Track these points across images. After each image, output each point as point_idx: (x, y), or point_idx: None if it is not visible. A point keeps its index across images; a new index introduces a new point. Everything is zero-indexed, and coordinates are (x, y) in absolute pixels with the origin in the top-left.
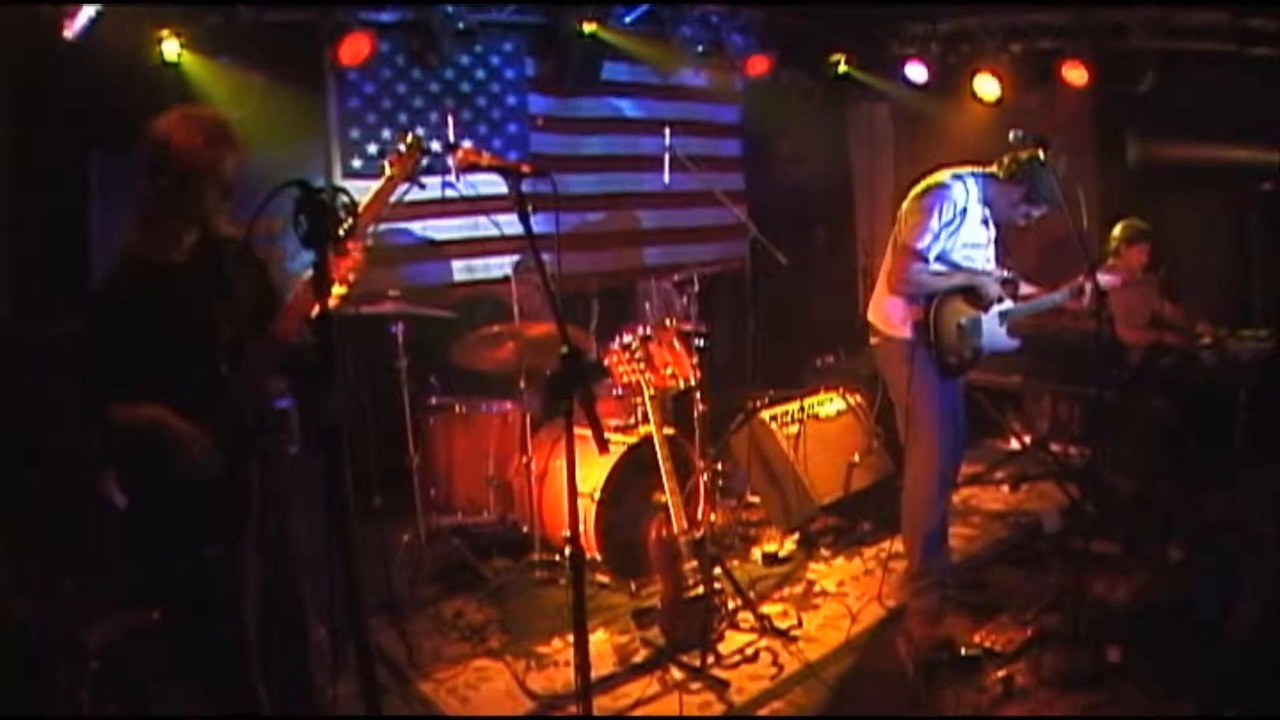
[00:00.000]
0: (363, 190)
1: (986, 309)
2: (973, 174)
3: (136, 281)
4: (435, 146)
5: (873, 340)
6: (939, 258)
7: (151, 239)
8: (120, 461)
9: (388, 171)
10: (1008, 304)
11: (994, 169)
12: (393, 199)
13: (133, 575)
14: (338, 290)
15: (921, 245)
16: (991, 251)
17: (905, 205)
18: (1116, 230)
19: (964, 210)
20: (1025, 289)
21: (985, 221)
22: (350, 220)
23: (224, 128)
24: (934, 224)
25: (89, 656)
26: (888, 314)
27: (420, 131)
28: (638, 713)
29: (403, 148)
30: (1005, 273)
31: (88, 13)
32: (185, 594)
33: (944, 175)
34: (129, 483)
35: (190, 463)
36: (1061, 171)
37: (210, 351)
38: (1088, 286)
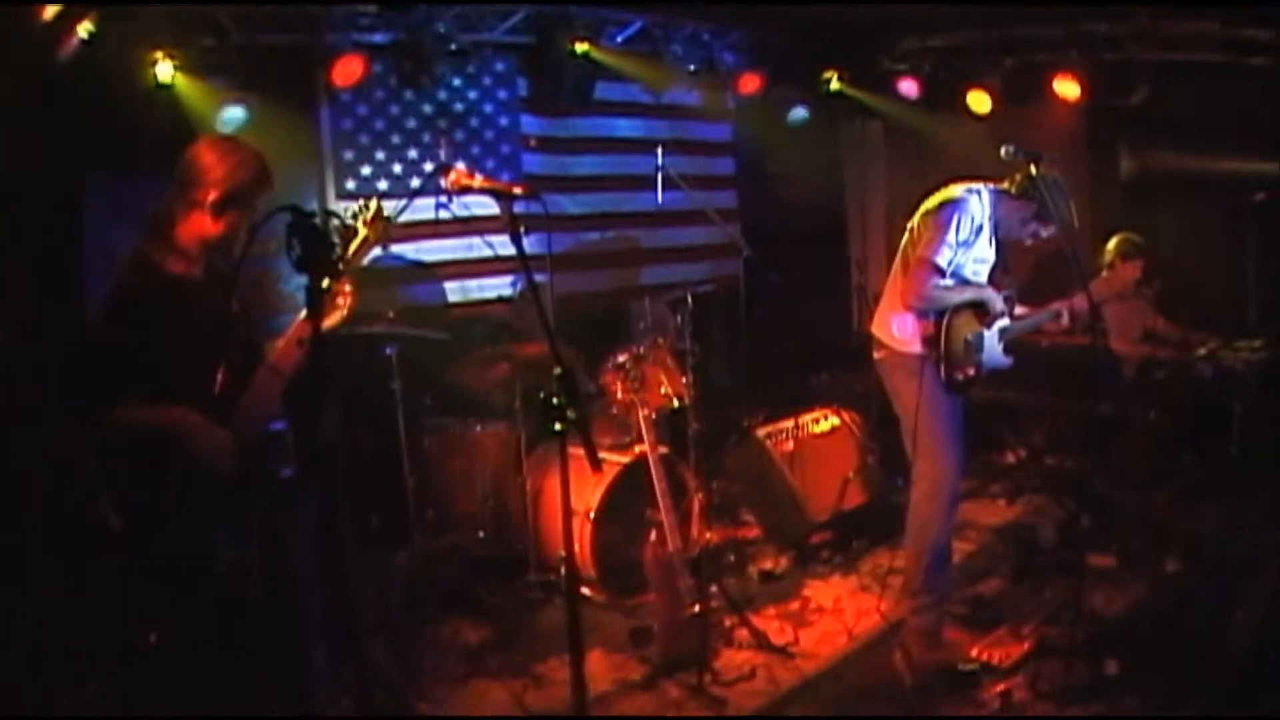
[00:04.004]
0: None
1: (990, 323)
2: (985, 189)
3: (155, 288)
4: (428, 167)
5: (877, 355)
6: (952, 273)
7: (174, 252)
8: (124, 476)
9: (361, 232)
10: (1006, 321)
11: (1005, 185)
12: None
13: (134, 593)
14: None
15: (939, 260)
16: (988, 268)
17: (918, 219)
18: (1111, 244)
19: (979, 226)
20: (1018, 309)
21: (992, 239)
22: (339, 261)
23: (268, 165)
24: (951, 238)
25: (87, 678)
26: (895, 328)
27: (382, 156)
28: None
29: (369, 214)
30: (1004, 291)
31: (81, 34)
32: (195, 606)
33: (958, 189)
34: (136, 496)
35: (214, 456)
36: (1063, 186)
37: (215, 367)
38: (1065, 314)
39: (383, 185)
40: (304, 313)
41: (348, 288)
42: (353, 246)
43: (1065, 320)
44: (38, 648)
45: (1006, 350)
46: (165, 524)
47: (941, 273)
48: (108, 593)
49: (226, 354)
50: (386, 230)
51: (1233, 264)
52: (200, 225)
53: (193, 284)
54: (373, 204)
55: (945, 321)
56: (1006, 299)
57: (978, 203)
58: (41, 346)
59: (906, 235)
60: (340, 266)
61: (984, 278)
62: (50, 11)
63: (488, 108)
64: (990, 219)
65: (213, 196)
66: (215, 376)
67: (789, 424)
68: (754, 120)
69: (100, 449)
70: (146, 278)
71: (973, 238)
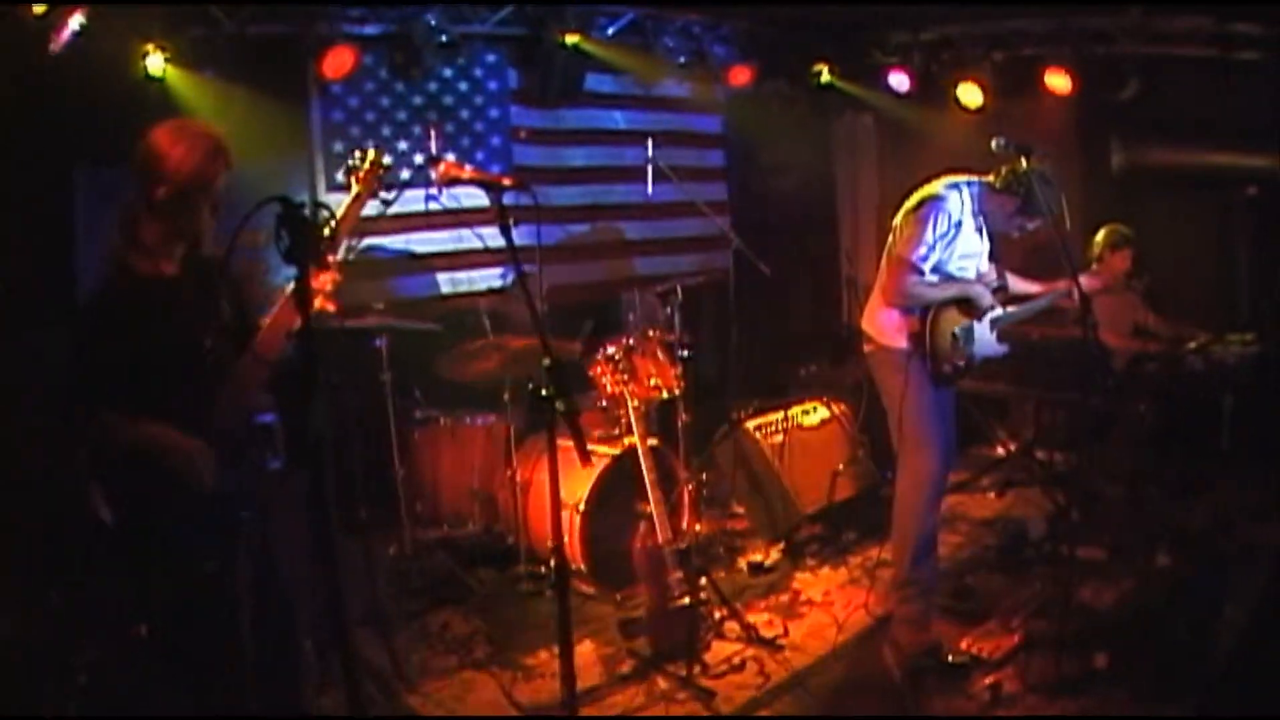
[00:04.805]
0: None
1: (980, 317)
2: (969, 183)
3: (126, 291)
4: (418, 159)
5: (866, 348)
6: (934, 269)
7: (142, 250)
8: (111, 474)
9: (354, 189)
10: (999, 312)
11: (990, 179)
12: (374, 213)
13: (123, 589)
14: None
15: (916, 258)
16: (985, 260)
17: (900, 216)
18: (1099, 236)
19: (959, 222)
20: (1018, 286)
21: (980, 231)
22: (326, 237)
23: (220, 143)
24: (929, 236)
25: (76, 671)
26: (882, 323)
27: (378, 147)
28: None
29: (365, 164)
30: (995, 280)
31: (72, 26)
32: (180, 607)
33: (939, 186)
34: (122, 497)
35: (191, 475)
36: (1051, 179)
37: (197, 363)
38: (1075, 290)
39: None
40: (284, 300)
41: (331, 276)
42: (344, 205)
43: (1076, 297)
44: (27, 639)
45: (1001, 338)
46: (151, 523)
47: (920, 271)
48: (99, 585)
49: (212, 348)
50: (380, 182)
51: (1224, 258)
52: (159, 219)
53: (167, 282)
54: (370, 154)
55: (930, 317)
56: (997, 290)
57: (958, 199)
58: (33, 337)
59: (892, 233)
60: (333, 225)
61: (972, 272)
62: (42, 5)
63: (478, 100)
64: (976, 213)
65: (162, 192)
66: (198, 376)
67: (779, 416)
68: (745, 112)
69: (90, 440)
70: (117, 282)
71: (953, 233)
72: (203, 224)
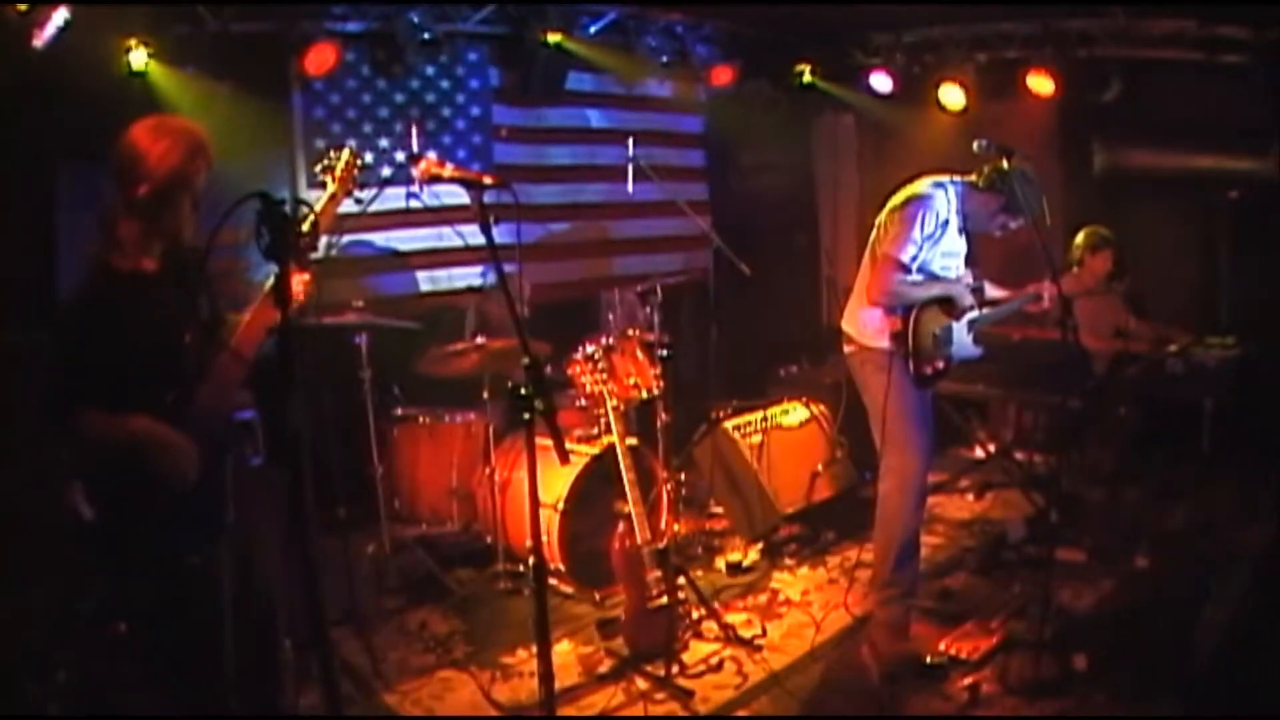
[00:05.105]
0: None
1: (959, 317)
2: (952, 182)
3: (106, 290)
4: (399, 156)
5: (847, 349)
6: (919, 268)
7: (122, 248)
8: (93, 472)
9: (330, 187)
10: (976, 313)
11: (973, 178)
12: (355, 210)
13: (106, 586)
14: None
15: (904, 256)
16: (963, 261)
17: (884, 215)
18: (1079, 238)
19: (945, 220)
20: (991, 292)
21: (962, 230)
22: (304, 235)
23: (201, 140)
24: (916, 234)
25: (57, 668)
26: (864, 323)
27: (354, 146)
28: None
29: (341, 163)
30: (973, 281)
31: (56, 22)
32: (162, 605)
33: (924, 185)
34: (105, 493)
35: (175, 471)
36: (1033, 178)
37: (177, 361)
38: (1045, 293)
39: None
40: (264, 296)
41: (305, 276)
42: (320, 203)
43: (1046, 301)
44: (6, 636)
45: (976, 340)
46: (132, 521)
47: (906, 269)
48: (78, 582)
49: (191, 345)
50: (356, 181)
51: (1206, 261)
52: (139, 216)
53: (146, 279)
54: (344, 154)
55: (912, 317)
56: (974, 290)
57: (943, 197)
58: (14, 337)
59: (874, 231)
60: (313, 220)
61: (953, 272)
62: (24, 2)
63: (460, 97)
64: (958, 212)
65: (141, 190)
66: (177, 373)
67: (758, 416)
68: (726, 112)
69: (72, 439)
70: (97, 280)
71: (939, 232)
72: (183, 221)
